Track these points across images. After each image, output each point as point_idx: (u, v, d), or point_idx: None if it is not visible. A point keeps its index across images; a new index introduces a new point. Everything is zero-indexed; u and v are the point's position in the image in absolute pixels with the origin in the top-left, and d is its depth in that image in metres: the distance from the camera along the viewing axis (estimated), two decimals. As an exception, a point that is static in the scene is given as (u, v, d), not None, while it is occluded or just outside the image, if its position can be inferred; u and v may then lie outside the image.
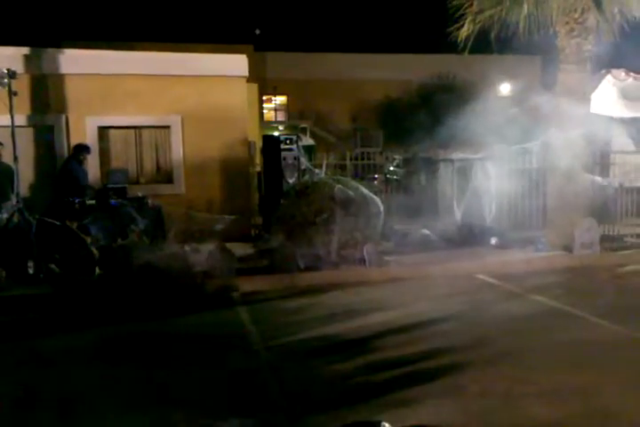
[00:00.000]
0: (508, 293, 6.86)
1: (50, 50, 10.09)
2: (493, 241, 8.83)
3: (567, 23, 8.64)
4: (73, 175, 8.61)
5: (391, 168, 12.37)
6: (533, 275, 7.48)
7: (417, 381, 4.17)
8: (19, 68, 8.75)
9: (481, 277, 7.56)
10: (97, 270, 6.95)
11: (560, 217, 8.52)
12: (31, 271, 7.10)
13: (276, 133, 15.47)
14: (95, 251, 6.98)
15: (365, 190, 8.25)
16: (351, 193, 7.93)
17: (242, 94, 10.63)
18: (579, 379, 4.15)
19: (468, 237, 9.02)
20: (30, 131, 9.73)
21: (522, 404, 3.78)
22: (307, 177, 9.76)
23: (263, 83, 20.97)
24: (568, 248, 8.35)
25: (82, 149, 8.88)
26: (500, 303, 6.34)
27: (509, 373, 4.32)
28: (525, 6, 8.73)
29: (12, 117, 7.80)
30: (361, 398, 3.90)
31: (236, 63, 10.55)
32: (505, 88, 22.97)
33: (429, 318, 5.70)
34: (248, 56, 10.93)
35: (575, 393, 3.93)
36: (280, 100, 27.41)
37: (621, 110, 11.69)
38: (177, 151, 10.25)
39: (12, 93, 7.68)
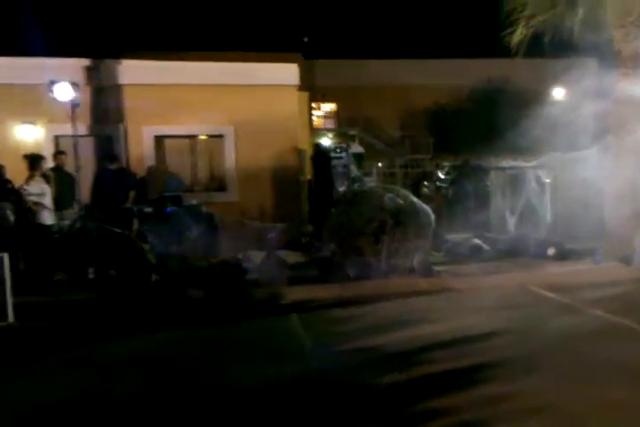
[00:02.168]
0: (563, 306, 6.69)
1: (108, 61, 10.48)
2: (550, 252, 8.61)
3: (623, 26, 8.40)
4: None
5: (441, 176, 12.29)
6: (590, 287, 7.25)
7: (467, 398, 4.10)
8: (79, 79, 9.13)
9: (535, 289, 7.39)
10: (153, 277, 7.15)
11: (619, 227, 8.26)
12: (91, 276, 7.37)
13: (325, 141, 15.54)
14: (152, 258, 7.19)
15: (415, 199, 8.21)
16: (401, 202, 7.91)
17: (293, 103, 10.78)
18: (637, 396, 4.02)
19: (522, 247, 8.84)
20: (91, 140, 10.12)
21: (581, 422, 3.69)
22: (357, 185, 9.79)
23: (312, 90, 21.12)
24: (627, 260, 8.08)
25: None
26: (555, 317, 6.18)
27: (563, 389, 4.21)
28: (580, 10, 8.53)
29: (74, 127, 8.15)
30: (410, 415, 3.88)
31: (287, 72, 10.71)
32: (559, 93, 22.42)
33: (479, 332, 5.60)
34: (297, 64, 11.07)
35: (634, 410, 3.81)
36: (329, 107, 27.54)
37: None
38: (230, 160, 10.47)
39: (74, 105, 8.02)
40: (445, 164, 13.19)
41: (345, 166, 9.91)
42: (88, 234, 7.30)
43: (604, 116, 9.03)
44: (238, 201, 10.21)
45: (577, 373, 4.53)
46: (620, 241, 8.12)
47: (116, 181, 9.08)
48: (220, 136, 10.48)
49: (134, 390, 4.40)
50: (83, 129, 9.45)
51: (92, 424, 3.92)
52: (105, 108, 10.20)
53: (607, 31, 8.57)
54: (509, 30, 9.04)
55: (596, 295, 6.92)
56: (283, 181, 10.47)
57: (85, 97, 9.53)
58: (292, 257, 8.61)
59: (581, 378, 4.42)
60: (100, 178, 9.05)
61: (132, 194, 9.22)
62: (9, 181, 8.04)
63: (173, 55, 15.12)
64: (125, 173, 9.41)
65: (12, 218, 7.60)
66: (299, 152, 10.95)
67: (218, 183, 10.60)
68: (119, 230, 7.27)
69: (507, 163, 10.88)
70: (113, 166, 9.16)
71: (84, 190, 8.71)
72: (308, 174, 11.34)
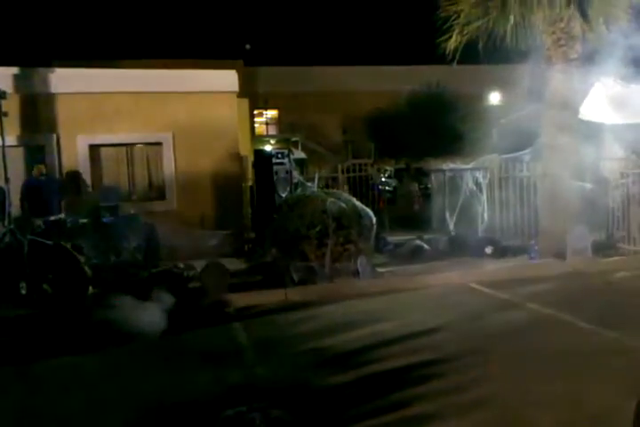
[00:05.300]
0: (501, 301, 6.86)
1: (40, 69, 10.14)
2: (488, 250, 8.83)
3: (553, 33, 8.74)
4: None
5: (383, 179, 12.43)
6: (527, 283, 7.47)
7: (413, 393, 4.15)
8: (8, 87, 8.79)
9: (475, 286, 7.56)
10: (90, 289, 6.91)
11: (552, 225, 8.55)
12: (24, 292, 7.06)
13: (267, 147, 15.52)
14: (88, 270, 6.95)
15: (357, 203, 8.27)
16: (343, 206, 7.95)
17: (232, 110, 10.69)
18: (573, 387, 4.15)
19: (462, 246, 9.03)
20: (21, 151, 9.73)
21: (520, 413, 3.77)
22: (299, 190, 9.79)
23: (254, 97, 21.06)
24: (561, 255, 8.36)
25: None
26: (494, 312, 6.34)
27: (505, 382, 4.31)
28: (512, 17, 8.81)
29: (2, 138, 7.82)
30: (357, 414, 3.88)
31: (226, 79, 10.62)
32: (494, 97, 23.15)
33: (423, 330, 5.69)
34: (238, 71, 11.01)
35: (569, 401, 3.92)
36: (271, 113, 27.51)
37: (612, 117, 11.77)
38: (169, 168, 10.27)
39: (1, 114, 7.71)
40: (387, 168, 13.37)
41: (287, 172, 9.88)
42: (19, 247, 7.00)
43: (538, 118, 9.35)
44: (178, 210, 10.01)
45: (517, 366, 4.65)
46: (554, 238, 8.40)
47: (43, 190, 8.71)
48: (159, 144, 10.27)
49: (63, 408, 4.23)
50: (12, 139, 9.08)
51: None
52: (36, 117, 9.84)
53: (539, 37, 8.89)
54: (445, 37, 9.25)
55: (532, 290, 7.14)
56: (224, 187, 10.35)
57: (15, 106, 9.19)
58: (236, 264, 8.50)
59: (522, 371, 4.53)
60: (27, 188, 8.69)
61: (62, 203, 8.88)
62: None
63: (109, 63, 14.80)
64: (53, 182, 9.06)
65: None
66: (240, 159, 10.86)
67: (157, 192, 10.37)
68: (52, 243, 7.01)
69: (446, 165, 11.11)
70: (37, 175, 8.80)
71: (16, 202, 8.35)
72: (250, 181, 11.26)
